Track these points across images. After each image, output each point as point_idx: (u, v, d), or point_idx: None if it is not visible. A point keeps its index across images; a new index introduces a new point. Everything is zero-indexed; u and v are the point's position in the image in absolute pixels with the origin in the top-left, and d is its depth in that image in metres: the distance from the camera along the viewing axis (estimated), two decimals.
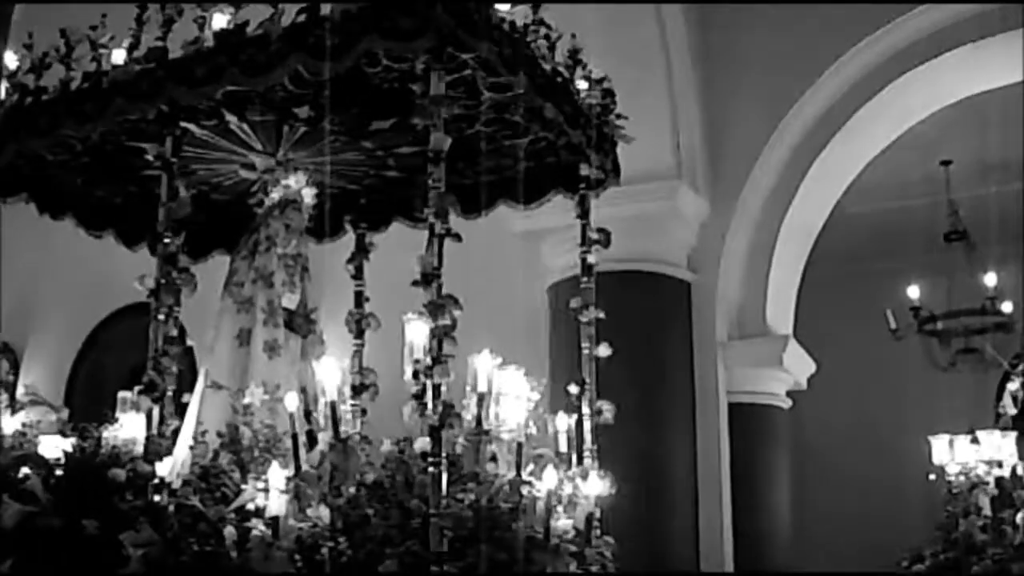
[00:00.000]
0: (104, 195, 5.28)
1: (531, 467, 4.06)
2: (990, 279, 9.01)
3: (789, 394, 7.55)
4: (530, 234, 6.93)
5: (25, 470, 4.29)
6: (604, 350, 4.86)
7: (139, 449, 4.23)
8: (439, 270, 3.72)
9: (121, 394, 4.59)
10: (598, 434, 4.71)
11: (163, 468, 4.06)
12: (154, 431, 4.18)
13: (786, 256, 7.35)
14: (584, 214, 5.00)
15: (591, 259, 4.98)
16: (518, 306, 6.50)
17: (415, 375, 3.83)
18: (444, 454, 3.57)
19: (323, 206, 5.16)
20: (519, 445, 3.96)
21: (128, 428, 4.36)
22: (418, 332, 3.96)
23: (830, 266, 8.45)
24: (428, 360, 3.66)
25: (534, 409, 4.26)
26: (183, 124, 4.49)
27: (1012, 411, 8.20)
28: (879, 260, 10.28)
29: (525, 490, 3.90)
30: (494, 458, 3.97)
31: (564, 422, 4.53)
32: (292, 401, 3.86)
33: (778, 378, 7.43)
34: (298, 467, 3.73)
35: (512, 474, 3.93)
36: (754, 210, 7.22)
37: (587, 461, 4.64)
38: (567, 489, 4.27)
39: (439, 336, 3.64)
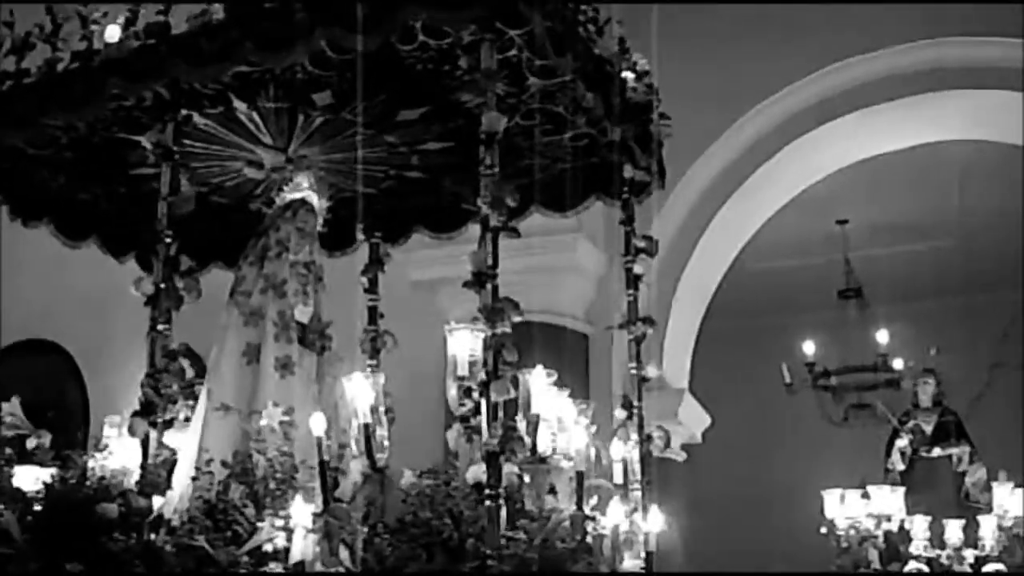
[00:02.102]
0: (90, 197, 4.72)
1: (594, 500, 3.52)
2: (882, 336, 9.19)
3: (684, 447, 7.48)
4: (424, 284, 6.61)
5: None
6: (653, 371, 4.39)
7: (132, 480, 3.68)
8: (495, 268, 3.20)
9: (110, 417, 4.07)
10: (648, 463, 4.22)
11: (161, 502, 3.52)
12: (151, 460, 3.64)
13: (683, 311, 7.30)
14: (628, 220, 4.53)
15: (637, 269, 4.52)
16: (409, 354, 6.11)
17: (467, 393, 3.28)
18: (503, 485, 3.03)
19: (336, 212, 4.63)
20: (580, 475, 3.42)
21: (119, 456, 3.82)
22: (462, 344, 3.42)
23: (727, 321, 8.44)
24: (482, 375, 3.13)
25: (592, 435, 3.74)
26: (185, 111, 3.97)
27: (901, 467, 8.60)
28: (775, 316, 10.45)
29: (589, 527, 3.36)
30: (553, 490, 3.43)
31: (620, 450, 4.00)
32: (319, 423, 3.29)
33: (673, 431, 7.23)
34: (326, 501, 3.16)
35: (572, 508, 3.39)
36: (652, 265, 7.04)
37: (636, 494, 4.14)
38: (624, 525, 3.74)
39: (496, 346, 3.11)
